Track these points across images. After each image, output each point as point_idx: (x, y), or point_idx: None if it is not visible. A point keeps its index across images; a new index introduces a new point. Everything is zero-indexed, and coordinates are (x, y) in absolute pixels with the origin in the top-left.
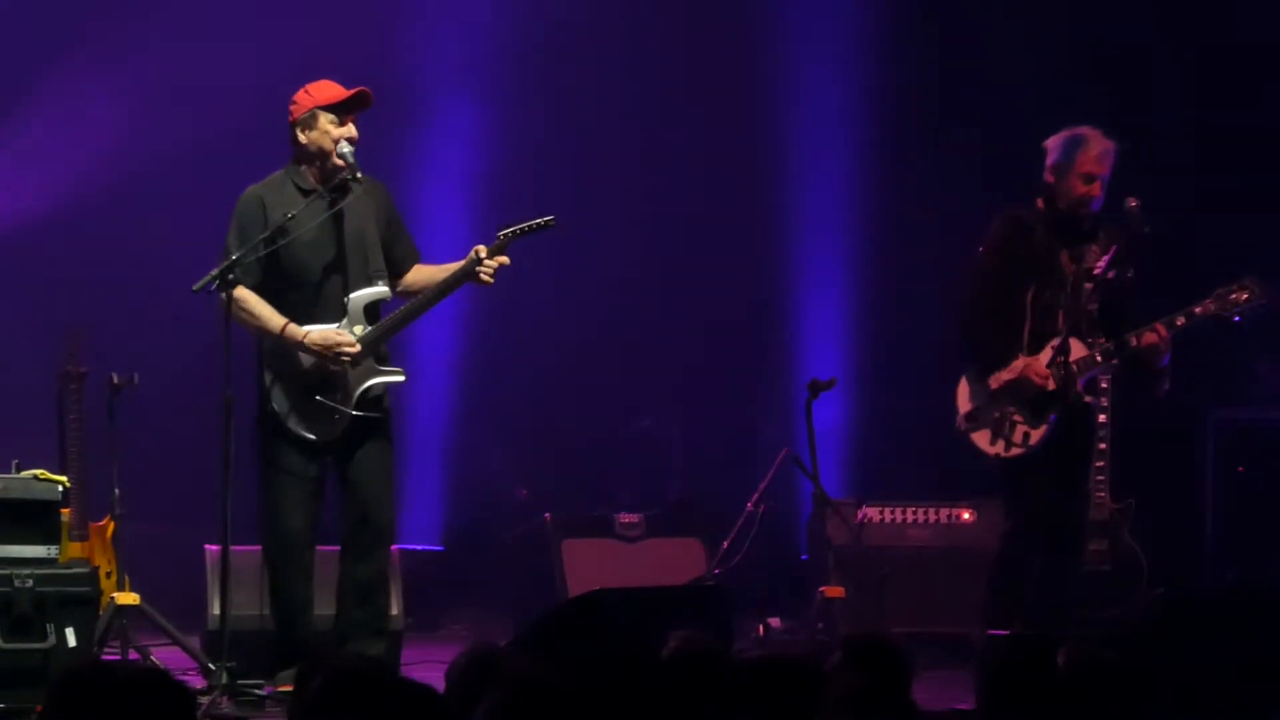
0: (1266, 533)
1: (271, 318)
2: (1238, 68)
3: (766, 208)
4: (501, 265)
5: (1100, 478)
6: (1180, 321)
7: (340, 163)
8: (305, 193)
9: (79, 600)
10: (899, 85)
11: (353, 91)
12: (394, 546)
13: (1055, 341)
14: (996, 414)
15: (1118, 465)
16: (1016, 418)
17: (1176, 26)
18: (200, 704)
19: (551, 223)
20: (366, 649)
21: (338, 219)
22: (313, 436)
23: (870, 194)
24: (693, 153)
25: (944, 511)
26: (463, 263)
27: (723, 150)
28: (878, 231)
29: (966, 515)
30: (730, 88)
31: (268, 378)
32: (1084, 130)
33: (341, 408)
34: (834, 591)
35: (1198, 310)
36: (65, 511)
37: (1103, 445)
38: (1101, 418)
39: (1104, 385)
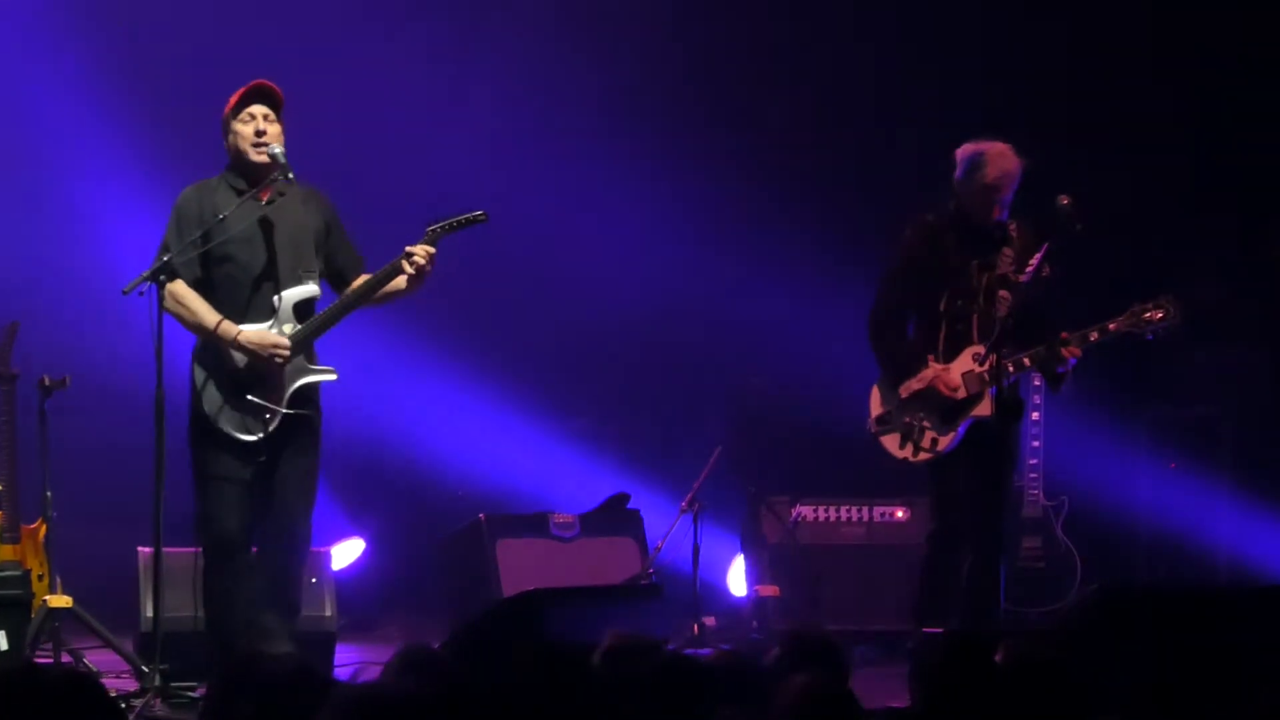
0: (1199, 528)
1: (206, 314)
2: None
3: (707, 208)
4: (429, 256)
5: (1033, 475)
6: (1094, 337)
7: (264, 159)
8: (239, 194)
9: (11, 603)
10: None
11: (245, 88)
12: (326, 548)
13: (973, 350)
14: (907, 419)
15: (1051, 462)
16: (925, 425)
17: None
18: (134, 706)
19: (482, 218)
20: (276, 649)
21: (268, 221)
22: (244, 437)
23: (807, 192)
24: (628, 152)
25: (878, 509)
26: (391, 262)
27: (653, 148)
28: (815, 225)
29: (900, 513)
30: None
31: (199, 376)
32: (986, 148)
33: (273, 406)
34: (768, 590)
35: (1111, 326)
36: None
37: (1036, 443)
38: (1034, 415)
39: (1036, 383)
